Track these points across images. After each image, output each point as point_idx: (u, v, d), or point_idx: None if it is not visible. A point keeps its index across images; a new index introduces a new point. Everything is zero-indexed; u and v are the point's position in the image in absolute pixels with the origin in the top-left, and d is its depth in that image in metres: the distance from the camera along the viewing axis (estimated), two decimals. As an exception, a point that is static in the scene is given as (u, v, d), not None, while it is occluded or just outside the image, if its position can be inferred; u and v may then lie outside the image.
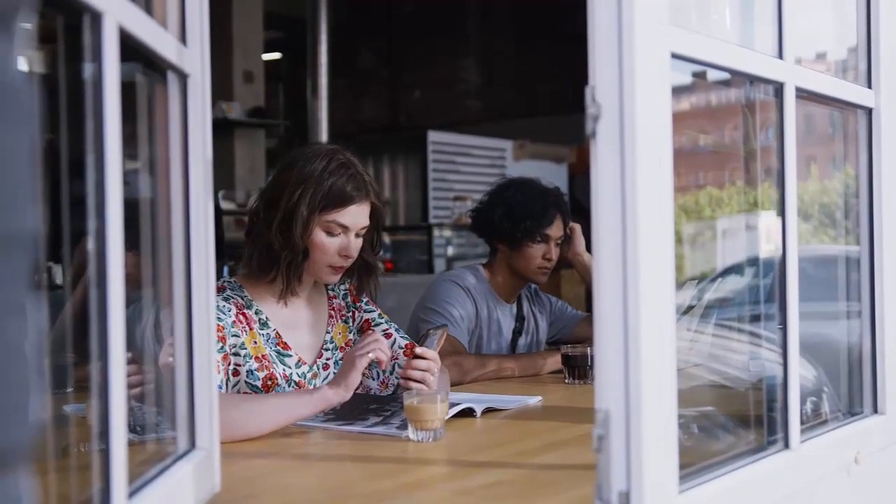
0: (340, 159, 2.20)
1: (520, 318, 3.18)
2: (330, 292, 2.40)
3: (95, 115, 1.00)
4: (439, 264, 7.46)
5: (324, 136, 8.29)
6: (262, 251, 2.20)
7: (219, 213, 4.20)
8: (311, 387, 2.24)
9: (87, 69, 1.01)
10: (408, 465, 1.76)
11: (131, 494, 1.08)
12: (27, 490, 0.55)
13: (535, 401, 2.38)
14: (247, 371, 2.15)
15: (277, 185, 2.21)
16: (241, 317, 2.19)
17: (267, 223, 2.19)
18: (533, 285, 3.22)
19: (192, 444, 1.38)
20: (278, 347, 2.23)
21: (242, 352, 2.16)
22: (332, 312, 2.38)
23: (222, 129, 7.32)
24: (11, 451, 0.52)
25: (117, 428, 1.02)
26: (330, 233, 2.20)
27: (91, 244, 1.01)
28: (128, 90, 1.07)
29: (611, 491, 1.19)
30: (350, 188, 2.19)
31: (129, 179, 1.08)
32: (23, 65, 0.54)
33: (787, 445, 1.54)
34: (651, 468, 1.18)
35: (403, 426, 1.93)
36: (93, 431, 1.33)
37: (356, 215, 2.21)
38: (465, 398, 2.25)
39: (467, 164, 8.52)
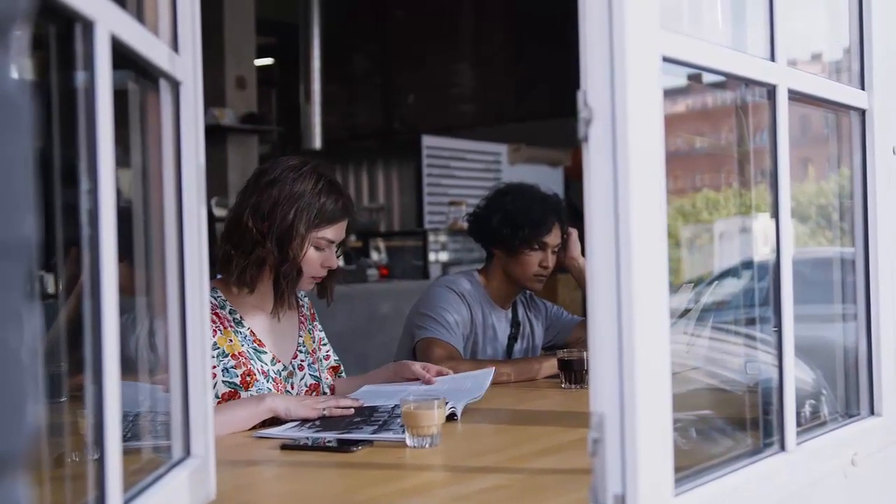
0: (327, 177, 2.33)
1: (515, 324, 3.17)
2: (298, 301, 2.50)
3: (88, 123, 1.00)
4: (434, 270, 7.45)
5: (317, 142, 8.27)
6: (254, 265, 2.28)
7: (212, 219, 4.22)
8: (288, 385, 2.35)
9: (79, 77, 1.01)
10: (405, 471, 1.75)
11: (126, 502, 1.08)
12: (25, 496, 0.55)
13: (487, 372, 2.47)
14: (223, 370, 2.22)
15: (266, 201, 2.27)
16: (213, 317, 2.23)
17: (259, 238, 2.26)
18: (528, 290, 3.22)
19: (188, 452, 1.38)
20: (255, 345, 2.32)
21: (215, 351, 2.21)
22: (303, 319, 2.50)
23: (215, 136, 7.31)
24: (10, 458, 0.53)
25: (112, 437, 1.01)
26: (318, 248, 2.32)
27: (84, 252, 1.00)
28: (119, 97, 1.07)
29: (606, 494, 1.18)
30: (339, 207, 2.32)
31: (120, 187, 1.08)
32: (18, 74, 0.54)
33: (783, 447, 1.54)
34: (646, 471, 1.18)
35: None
36: (84, 440, 1.33)
37: (341, 230, 2.36)
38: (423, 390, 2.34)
39: (462, 169, 8.51)
